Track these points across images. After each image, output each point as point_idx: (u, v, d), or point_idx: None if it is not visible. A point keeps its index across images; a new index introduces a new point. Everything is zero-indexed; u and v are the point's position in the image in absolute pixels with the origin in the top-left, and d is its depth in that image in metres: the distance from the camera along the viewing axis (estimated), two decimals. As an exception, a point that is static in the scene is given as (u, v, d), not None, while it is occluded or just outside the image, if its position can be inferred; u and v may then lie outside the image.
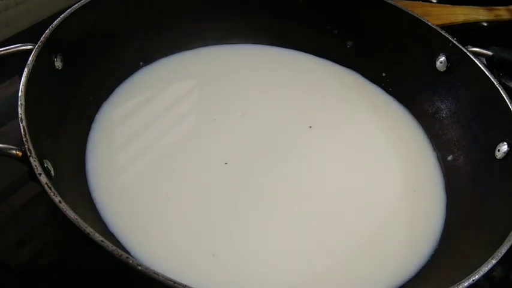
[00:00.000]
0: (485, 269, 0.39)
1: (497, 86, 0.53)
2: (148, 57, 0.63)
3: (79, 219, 0.35)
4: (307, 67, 0.68)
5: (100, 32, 0.56)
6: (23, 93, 0.42)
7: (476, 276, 0.38)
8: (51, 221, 0.51)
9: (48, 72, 0.48)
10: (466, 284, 0.38)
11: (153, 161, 0.53)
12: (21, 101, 0.42)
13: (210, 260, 0.46)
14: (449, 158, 0.58)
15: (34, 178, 0.38)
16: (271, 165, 0.54)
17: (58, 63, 0.50)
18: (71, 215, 0.35)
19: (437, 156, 0.59)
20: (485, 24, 0.85)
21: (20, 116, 0.41)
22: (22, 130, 0.40)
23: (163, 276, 0.33)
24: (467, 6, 0.85)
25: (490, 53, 0.60)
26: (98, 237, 0.35)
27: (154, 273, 0.33)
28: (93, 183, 0.49)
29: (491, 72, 0.55)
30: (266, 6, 0.67)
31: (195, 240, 0.47)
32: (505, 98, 0.52)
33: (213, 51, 0.66)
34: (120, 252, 0.34)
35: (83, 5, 0.53)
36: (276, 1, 0.67)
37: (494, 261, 0.40)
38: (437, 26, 0.60)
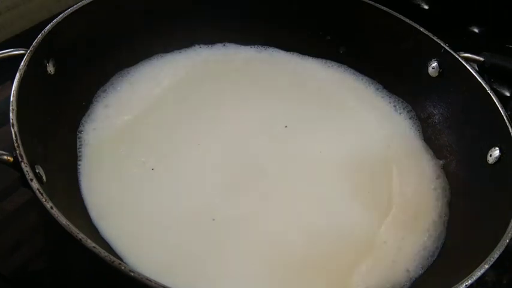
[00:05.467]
0: (478, 273, 0.39)
1: (488, 91, 0.54)
2: (143, 59, 0.63)
3: (71, 225, 0.35)
4: (303, 69, 0.68)
5: (92, 36, 0.56)
6: (14, 98, 0.42)
7: (469, 281, 0.38)
8: (42, 227, 0.50)
9: (40, 77, 0.48)
10: (459, 289, 0.38)
11: (145, 167, 0.52)
12: (12, 106, 0.41)
13: (202, 265, 0.46)
14: (442, 162, 0.58)
15: (26, 184, 0.38)
16: (269, 166, 0.55)
17: (50, 68, 0.50)
18: (63, 220, 0.35)
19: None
20: (476, 30, 0.85)
21: (11, 121, 0.41)
22: (13, 135, 0.40)
23: (155, 282, 0.33)
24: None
25: (481, 58, 0.60)
26: (90, 243, 0.34)
27: (146, 279, 0.33)
28: (85, 188, 0.49)
29: (483, 78, 0.55)
30: (260, 10, 0.67)
31: (188, 245, 0.47)
32: (497, 103, 0.53)
33: (209, 52, 0.66)
34: (113, 258, 0.34)
35: (75, 10, 0.53)
36: (270, 6, 0.67)
37: (487, 266, 0.40)
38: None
